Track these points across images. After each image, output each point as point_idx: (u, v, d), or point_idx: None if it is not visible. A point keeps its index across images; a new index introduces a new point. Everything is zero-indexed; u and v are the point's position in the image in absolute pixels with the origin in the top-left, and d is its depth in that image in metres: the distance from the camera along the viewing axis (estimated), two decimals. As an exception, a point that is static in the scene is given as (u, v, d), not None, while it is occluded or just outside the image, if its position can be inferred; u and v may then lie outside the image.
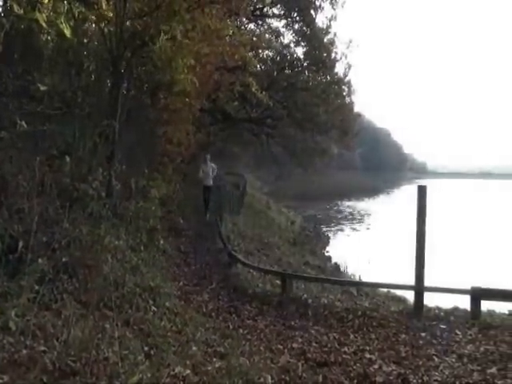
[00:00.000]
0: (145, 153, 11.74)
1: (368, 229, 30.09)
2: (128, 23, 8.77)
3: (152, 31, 8.63)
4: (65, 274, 5.06)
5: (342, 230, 29.46)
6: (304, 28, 22.69)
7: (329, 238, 25.56)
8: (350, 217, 36.65)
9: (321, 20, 23.37)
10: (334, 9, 22.31)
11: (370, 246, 20.67)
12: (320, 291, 9.60)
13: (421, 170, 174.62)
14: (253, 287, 9.47)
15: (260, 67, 21.42)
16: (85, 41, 9.11)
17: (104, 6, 7.78)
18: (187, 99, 12.05)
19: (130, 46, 8.88)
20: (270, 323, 7.15)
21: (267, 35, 22.23)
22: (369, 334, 6.43)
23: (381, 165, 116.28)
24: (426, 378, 4.63)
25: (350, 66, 23.19)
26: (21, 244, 4.53)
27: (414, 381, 4.58)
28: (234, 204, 19.98)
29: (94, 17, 8.58)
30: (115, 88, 8.92)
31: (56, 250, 5.06)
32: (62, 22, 5.35)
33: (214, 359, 4.80)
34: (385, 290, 10.63)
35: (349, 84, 23.69)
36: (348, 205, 47.16)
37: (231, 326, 6.87)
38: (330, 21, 22.26)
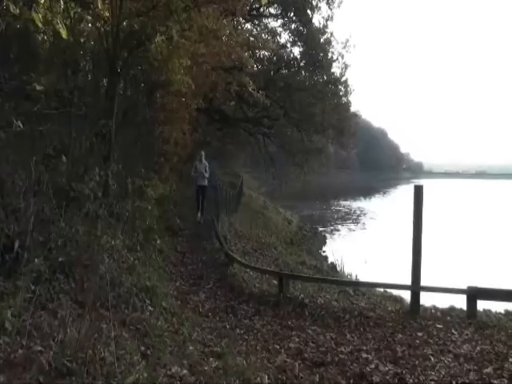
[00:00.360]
0: (141, 152, 11.73)
1: (364, 229, 30.13)
2: (124, 23, 8.76)
3: (148, 31, 8.62)
4: (61, 273, 5.05)
5: (338, 229, 29.49)
6: (301, 28, 22.71)
7: (325, 237, 25.57)
8: (347, 217, 36.70)
9: (317, 20, 23.52)
10: (331, 9, 22.37)
11: (366, 246, 20.70)
12: (317, 291, 9.60)
13: (417, 170, 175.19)
14: (250, 287, 9.47)
15: (257, 67, 21.40)
16: (81, 40, 9.10)
17: (100, 6, 7.76)
18: (184, 99, 12.06)
19: (126, 45, 8.88)
20: (267, 323, 7.14)
21: (264, 35, 22.21)
22: (365, 334, 6.43)
23: (377, 164, 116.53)
24: (422, 378, 4.64)
25: (346, 66, 23.21)
26: (17, 244, 4.52)
27: (411, 380, 4.59)
28: (231, 204, 19.98)
29: (90, 16, 8.57)
30: (112, 88, 8.91)
31: (52, 249, 5.05)
32: (58, 22, 5.33)
33: (211, 359, 4.80)
34: (381, 289, 10.63)
35: (345, 84, 23.69)
36: (344, 204, 47.26)
37: (228, 326, 6.87)
38: (326, 21, 22.31)
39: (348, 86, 23.90)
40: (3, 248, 4.47)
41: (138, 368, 3.64)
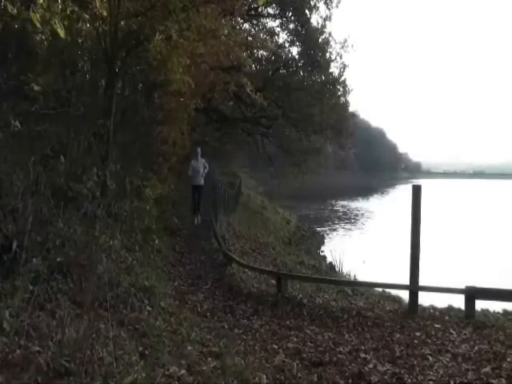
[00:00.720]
0: (140, 152, 11.73)
1: (362, 229, 30.15)
2: (122, 23, 8.75)
3: (147, 31, 8.62)
4: (59, 274, 5.05)
5: (336, 229, 29.50)
6: (299, 28, 22.70)
7: (324, 237, 25.58)
8: (345, 216, 36.73)
9: (315, 20, 23.45)
10: (329, 9, 22.37)
11: (364, 246, 20.72)
12: (315, 291, 9.60)
13: (415, 170, 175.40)
14: (248, 287, 9.47)
15: (255, 67, 21.41)
16: (79, 40, 9.09)
17: (98, 6, 7.77)
18: (182, 99, 12.05)
19: (124, 45, 8.87)
20: (265, 323, 7.14)
21: (262, 35, 22.21)
22: (364, 334, 6.43)
23: (375, 164, 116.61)
24: (420, 378, 4.64)
25: (344, 66, 23.19)
26: (15, 244, 4.51)
27: (409, 380, 4.59)
28: (229, 203, 19.98)
29: (88, 16, 8.56)
30: (110, 88, 8.90)
31: (50, 249, 5.05)
32: (56, 22, 5.33)
33: (209, 359, 4.80)
34: (380, 289, 10.63)
35: (343, 84, 23.68)
36: (343, 204, 47.30)
37: (226, 326, 6.86)
38: (324, 21, 22.31)
39: (346, 85, 23.93)
40: (1, 248, 4.47)
41: (136, 368, 3.64)
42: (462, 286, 7.08)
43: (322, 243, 23.71)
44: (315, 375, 4.75)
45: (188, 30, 9.89)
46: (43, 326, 3.80)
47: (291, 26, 23.15)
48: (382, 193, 71.55)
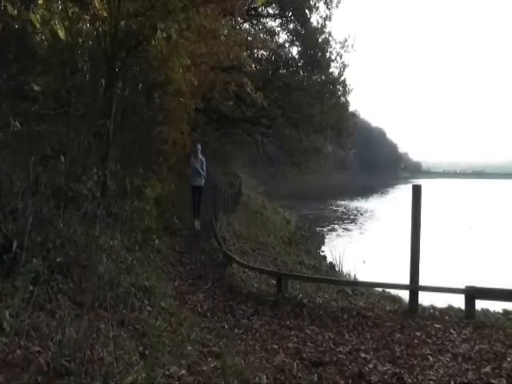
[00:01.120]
0: (140, 152, 11.73)
1: (362, 228, 30.14)
2: (122, 23, 8.75)
3: (147, 31, 8.62)
4: (59, 274, 5.05)
5: (336, 229, 29.48)
6: (299, 27, 22.71)
7: (324, 237, 25.58)
8: (345, 216, 36.70)
9: (315, 19, 23.41)
10: (329, 8, 22.36)
11: (364, 246, 20.72)
12: (315, 291, 9.59)
13: (415, 170, 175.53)
14: (248, 287, 9.46)
15: (255, 67, 21.39)
16: (79, 41, 9.09)
17: (98, 6, 7.77)
18: (182, 99, 12.05)
19: (124, 45, 8.87)
20: (266, 323, 7.14)
21: (262, 35, 22.20)
22: (364, 334, 6.43)
23: (375, 164, 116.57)
24: (420, 378, 4.64)
25: (344, 66, 23.18)
26: (15, 244, 4.52)
27: (409, 380, 4.59)
28: (230, 203, 19.98)
29: (88, 17, 8.57)
30: (110, 88, 8.91)
31: (50, 250, 5.05)
32: (56, 23, 5.33)
33: (209, 359, 4.79)
34: (380, 289, 10.63)
35: (343, 83, 23.68)
36: (343, 204, 47.29)
37: (226, 326, 6.86)
38: (324, 20, 22.30)
39: (346, 85, 23.92)
40: (1, 248, 4.47)
41: (136, 368, 3.64)
42: (462, 286, 7.09)
43: (322, 243, 23.69)
44: (315, 375, 4.75)
45: (188, 29, 9.89)
46: (43, 326, 3.80)
47: (291, 25, 23.18)
48: (382, 193, 71.57)
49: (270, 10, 23.47)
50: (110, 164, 8.48)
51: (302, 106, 23.08)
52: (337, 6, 22.52)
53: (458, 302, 7.34)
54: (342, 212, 40.29)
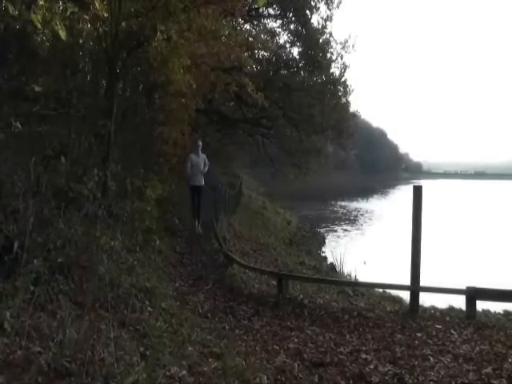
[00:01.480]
0: (140, 153, 11.73)
1: (363, 229, 30.16)
2: (123, 24, 8.76)
3: (147, 31, 8.62)
4: (60, 274, 5.05)
5: (337, 230, 29.50)
6: (299, 28, 22.67)
7: (324, 238, 25.58)
8: (346, 217, 36.73)
9: (316, 20, 23.41)
10: (330, 9, 22.32)
11: (365, 246, 20.74)
12: (316, 291, 9.60)
13: (416, 171, 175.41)
14: (249, 288, 9.46)
15: (256, 68, 21.37)
16: (80, 41, 9.09)
17: (98, 7, 7.76)
18: (183, 100, 12.05)
19: (125, 46, 8.88)
20: (266, 324, 7.14)
21: (263, 35, 22.16)
22: (364, 334, 6.43)
23: (376, 165, 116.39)
24: (421, 378, 4.64)
25: (345, 66, 23.16)
26: (16, 245, 4.52)
27: (410, 381, 4.59)
28: (230, 204, 19.98)
29: (88, 17, 8.57)
30: (110, 88, 8.91)
31: (51, 250, 5.05)
32: (57, 23, 5.33)
33: (210, 360, 4.79)
34: (380, 290, 10.64)
35: (344, 84, 23.66)
36: (343, 205, 47.30)
37: (227, 327, 6.86)
38: (325, 21, 22.24)
39: (347, 86, 23.89)
40: (2, 249, 4.48)
41: (137, 369, 3.64)
42: (463, 287, 7.09)
43: (323, 244, 23.72)
44: (316, 376, 4.75)
45: (189, 30, 9.89)
46: (44, 327, 3.80)
47: (292, 26, 23.13)
48: (383, 193, 71.57)
49: (271, 11, 23.44)
50: (111, 165, 8.48)
51: (303, 106, 23.05)
52: (338, 7, 22.51)
53: (459, 302, 7.35)
54: (343, 213, 40.32)
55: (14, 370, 3.08)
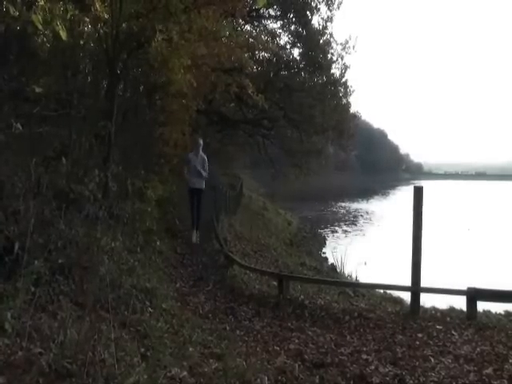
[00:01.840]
0: (141, 154, 11.73)
1: (363, 230, 30.16)
2: (124, 25, 8.76)
3: (148, 32, 8.63)
4: (61, 275, 5.05)
5: (337, 231, 29.50)
6: (300, 29, 22.69)
7: (325, 238, 25.58)
8: (346, 218, 36.74)
9: (317, 21, 23.44)
10: (330, 10, 22.34)
11: (365, 247, 20.73)
12: (316, 292, 9.59)
13: (416, 171, 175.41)
14: (249, 288, 9.46)
15: (256, 68, 21.39)
16: (80, 42, 9.10)
17: (99, 8, 7.77)
18: (184, 100, 12.04)
19: (125, 47, 8.89)
20: (267, 324, 7.13)
21: (263, 36, 22.18)
22: (365, 335, 6.43)
23: (377, 166, 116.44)
24: (422, 379, 4.64)
25: (346, 67, 23.21)
26: (17, 246, 4.52)
27: (411, 381, 4.59)
28: (231, 205, 19.99)
29: (88, 18, 8.57)
30: (111, 89, 8.92)
31: (52, 251, 5.05)
32: (57, 24, 5.34)
33: (211, 360, 4.79)
34: (381, 290, 10.63)
35: (345, 85, 23.70)
36: (344, 206, 47.31)
37: (228, 328, 6.85)
38: (325, 22, 22.28)
39: (348, 87, 23.94)
40: (3, 250, 4.48)
41: (137, 369, 3.64)
42: (464, 287, 7.08)
43: (324, 244, 23.71)
44: (317, 376, 4.74)
45: (189, 31, 9.89)
46: (45, 328, 3.80)
47: (292, 27, 23.15)
48: (383, 194, 71.56)
49: (272, 12, 23.46)
50: (112, 165, 8.47)
51: (304, 107, 23.08)
52: (338, 8, 22.53)
53: (460, 303, 7.34)
54: (343, 213, 40.32)
55: (15, 370, 3.08)
